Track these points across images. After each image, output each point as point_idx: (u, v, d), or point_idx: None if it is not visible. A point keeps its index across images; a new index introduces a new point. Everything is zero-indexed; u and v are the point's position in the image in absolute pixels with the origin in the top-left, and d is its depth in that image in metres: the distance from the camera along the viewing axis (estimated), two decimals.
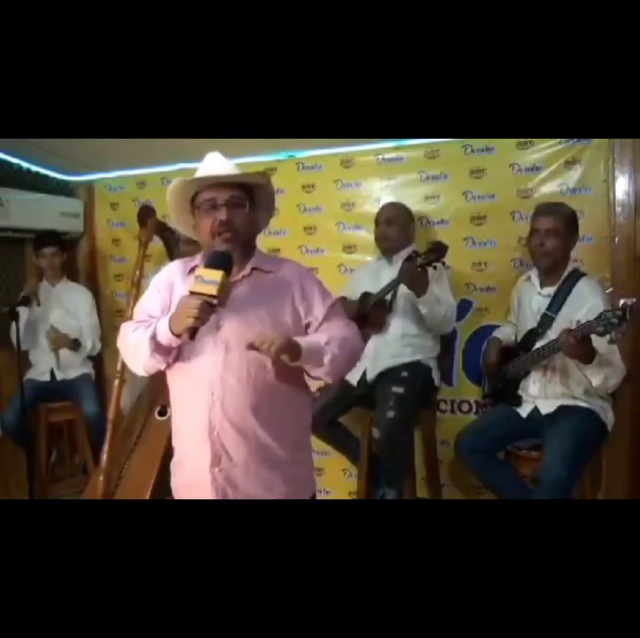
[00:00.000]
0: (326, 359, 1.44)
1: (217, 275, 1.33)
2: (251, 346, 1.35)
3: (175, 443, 1.58)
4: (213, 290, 1.32)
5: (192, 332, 1.35)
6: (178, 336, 1.37)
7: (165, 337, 1.40)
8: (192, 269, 1.52)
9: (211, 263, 1.37)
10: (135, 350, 1.48)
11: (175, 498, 1.58)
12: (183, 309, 1.34)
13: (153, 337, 1.41)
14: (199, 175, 1.50)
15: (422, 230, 2.93)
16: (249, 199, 1.49)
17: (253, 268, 1.51)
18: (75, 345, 3.19)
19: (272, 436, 1.46)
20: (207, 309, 1.33)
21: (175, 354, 1.48)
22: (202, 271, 1.36)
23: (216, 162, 1.50)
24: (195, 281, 1.35)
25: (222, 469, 1.44)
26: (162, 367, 1.49)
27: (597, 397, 2.26)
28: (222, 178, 1.46)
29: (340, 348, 1.46)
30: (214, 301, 1.33)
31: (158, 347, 1.43)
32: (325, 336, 1.47)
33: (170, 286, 1.54)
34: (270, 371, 1.45)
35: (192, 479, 1.49)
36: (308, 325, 1.52)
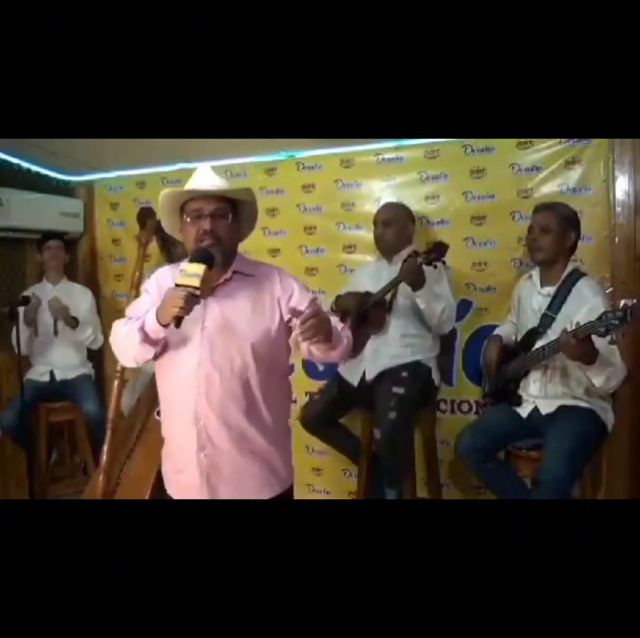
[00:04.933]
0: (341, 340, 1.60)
1: (200, 268, 1.46)
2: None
3: (164, 432, 1.70)
4: (196, 282, 1.44)
5: (178, 321, 1.46)
6: (165, 326, 1.49)
7: (152, 327, 1.52)
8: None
9: (194, 258, 1.49)
10: (125, 342, 1.60)
11: (166, 483, 1.72)
12: (168, 300, 1.46)
13: (142, 327, 1.53)
14: (188, 186, 1.63)
15: (422, 230, 2.93)
16: (232, 212, 1.62)
17: (235, 272, 1.63)
18: (74, 321, 3.18)
19: (253, 425, 1.59)
20: (191, 299, 1.44)
21: (162, 344, 1.59)
22: (186, 265, 1.48)
23: (207, 176, 1.63)
24: (180, 274, 1.48)
25: (206, 454, 1.57)
26: (150, 356, 1.60)
27: (597, 397, 2.25)
28: (211, 192, 1.59)
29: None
30: (198, 292, 1.45)
31: (146, 337, 1.54)
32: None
33: (160, 288, 1.65)
34: (251, 366, 1.57)
35: (181, 465, 1.62)
36: (290, 320, 1.61)
